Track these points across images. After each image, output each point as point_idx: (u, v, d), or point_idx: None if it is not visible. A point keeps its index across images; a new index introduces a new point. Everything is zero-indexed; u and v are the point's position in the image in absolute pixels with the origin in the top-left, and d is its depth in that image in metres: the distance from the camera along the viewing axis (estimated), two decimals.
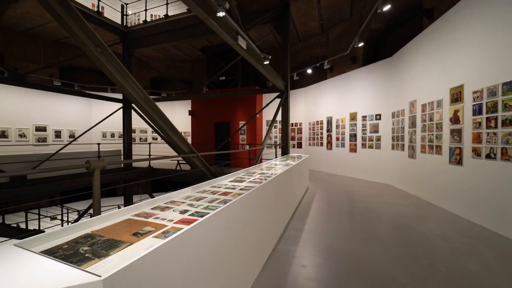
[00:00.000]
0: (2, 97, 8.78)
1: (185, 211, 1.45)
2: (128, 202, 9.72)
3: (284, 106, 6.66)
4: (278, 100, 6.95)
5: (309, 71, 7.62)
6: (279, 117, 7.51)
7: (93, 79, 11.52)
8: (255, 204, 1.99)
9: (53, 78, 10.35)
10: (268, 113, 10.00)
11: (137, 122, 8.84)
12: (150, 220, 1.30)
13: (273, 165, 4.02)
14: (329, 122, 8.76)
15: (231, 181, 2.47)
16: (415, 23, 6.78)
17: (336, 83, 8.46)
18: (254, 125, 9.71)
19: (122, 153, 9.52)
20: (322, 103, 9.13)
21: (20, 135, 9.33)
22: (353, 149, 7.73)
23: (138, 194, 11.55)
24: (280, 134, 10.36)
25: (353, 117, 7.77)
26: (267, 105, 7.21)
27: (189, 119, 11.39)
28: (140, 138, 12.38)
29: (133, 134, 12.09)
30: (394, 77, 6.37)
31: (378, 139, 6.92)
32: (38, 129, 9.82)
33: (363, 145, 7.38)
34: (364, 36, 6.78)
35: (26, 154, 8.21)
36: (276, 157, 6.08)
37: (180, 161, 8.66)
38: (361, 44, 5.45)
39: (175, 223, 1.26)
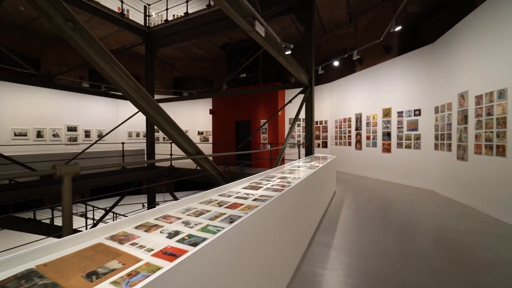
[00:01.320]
0: (38, 100, 9.34)
1: (176, 233, 1.08)
2: (151, 200, 9.84)
3: (308, 102, 6.12)
4: (301, 97, 6.43)
5: (336, 63, 6.96)
6: (302, 115, 6.98)
7: None
8: (271, 218, 1.57)
9: (83, 80, 10.87)
10: (291, 111, 9.48)
11: None
12: (124, 247, 0.95)
13: (296, 168, 3.56)
14: (358, 119, 7.99)
15: (245, 188, 2.08)
16: (462, 2, 5.82)
17: (366, 76, 7.67)
18: (276, 123, 9.26)
19: (145, 152, 9.64)
20: (350, 99, 8.38)
21: (54, 135, 9.88)
22: (386, 149, 6.93)
23: (161, 193, 11.73)
24: (304, 133, 9.78)
25: (386, 113, 6.96)
26: (290, 101, 6.72)
27: (210, 118, 11.28)
28: (164, 138, 12.55)
29: (157, 134, 12.35)
30: (437, 66, 5.51)
31: (418, 137, 6.08)
32: (70, 129, 10.33)
33: (399, 145, 6.56)
34: (400, 22, 5.98)
35: (59, 153, 8.66)
36: (299, 157, 5.58)
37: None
38: (398, 28, 4.73)
39: (153, 255, 0.89)
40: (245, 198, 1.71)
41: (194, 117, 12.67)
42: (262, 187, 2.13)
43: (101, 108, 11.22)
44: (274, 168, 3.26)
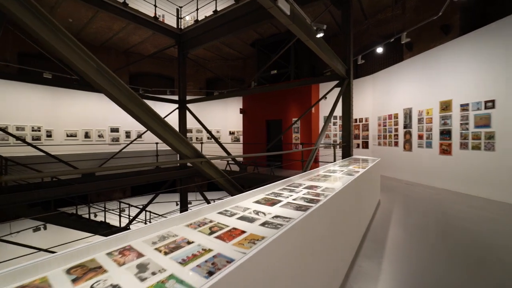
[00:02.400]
0: (86, 103, 10.18)
1: None
2: (183, 199, 9.96)
3: (346, 96, 5.34)
4: (338, 91, 5.66)
5: (380, 50, 6.00)
6: (339, 112, 6.19)
7: (156, 83, 12.42)
8: (282, 257, 1.05)
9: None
10: (326, 108, 8.65)
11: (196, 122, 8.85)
12: None
13: (330, 173, 2.93)
14: (408, 115, 6.83)
15: (258, 202, 1.59)
16: None
17: (417, 63, 6.49)
18: (309, 122, 8.54)
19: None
20: (398, 92, 7.23)
21: (99, 136, 10.68)
22: (445, 151, 5.72)
23: (193, 192, 11.91)
24: (341, 132, 8.86)
25: (445, 106, 5.75)
26: (324, 96, 5.99)
27: (241, 118, 11.03)
28: (196, 138, 12.73)
29: (189, 134, 12.59)
30: None
31: (490, 136, 4.82)
32: (113, 130, 11.07)
33: (463, 145, 5.33)
34: None
35: (100, 153, 9.30)
36: (335, 160, 4.86)
37: (229, 161, 8.28)
38: None
39: None
40: (252, 221, 1.22)
41: (225, 117, 12.59)
42: (281, 201, 1.62)
43: None
44: (302, 173, 2.71)
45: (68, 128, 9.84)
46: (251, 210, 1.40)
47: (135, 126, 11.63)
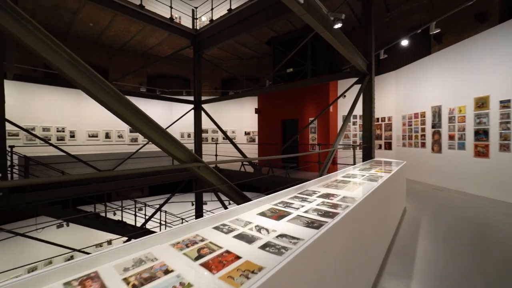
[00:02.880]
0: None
1: None
2: (198, 200, 9.97)
3: (367, 93, 4.95)
4: (358, 88, 5.27)
5: (405, 42, 5.51)
6: (358, 111, 5.79)
7: (173, 84, 12.61)
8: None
9: (142, 86, 11.87)
10: (345, 107, 8.21)
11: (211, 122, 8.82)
12: None
13: (349, 177, 2.64)
14: (437, 113, 6.25)
15: (262, 214, 1.38)
16: None
17: (448, 56, 5.90)
18: (326, 121, 8.15)
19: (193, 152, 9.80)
20: (425, 88, 6.65)
21: (119, 136, 11.01)
22: (481, 153, 5.12)
23: (209, 193, 11.91)
24: (361, 132, 8.37)
25: (481, 103, 5.15)
26: (343, 94, 5.63)
27: (256, 118, 10.85)
28: (212, 138, 12.75)
29: (205, 134, 12.62)
30: None
31: None
32: (132, 130, 11.37)
33: (503, 147, 4.73)
34: None
35: (121, 153, 9.55)
36: (354, 163, 4.49)
37: (244, 163, 8.13)
38: None
39: None
40: (251, 241, 1.01)
41: (241, 117, 12.49)
42: (290, 213, 1.39)
43: (157, 110, 12.03)
44: (318, 178, 2.45)
45: (90, 128, 10.22)
46: (253, 225, 1.19)
47: None
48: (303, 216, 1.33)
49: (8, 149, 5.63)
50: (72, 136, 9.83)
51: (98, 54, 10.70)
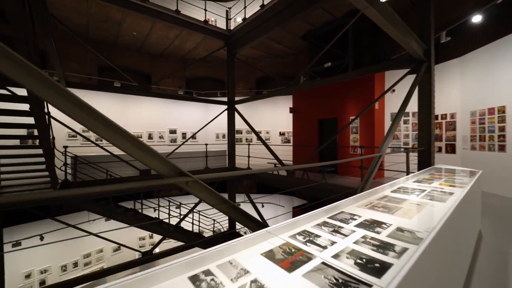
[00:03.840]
0: (149, 107, 11.22)
1: None
2: (231, 199, 9.86)
3: (424, 85, 4.05)
4: (410, 80, 4.37)
5: (477, 19, 4.38)
6: (412, 107, 4.84)
7: (210, 86, 12.84)
8: None
9: (180, 89, 12.36)
10: (393, 103, 7.14)
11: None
12: None
13: (402, 193, 2.01)
14: None
15: (269, 255, 0.95)
16: None
17: None
18: (371, 120, 7.18)
19: (227, 153, 9.75)
20: (504, 78, 5.28)
21: (160, 137, 11.62)
22: None
23: (241, 194, 11.78)
24: (414, 132, 7.16)
25: None
26: (391, 88, 4.75)
27: (291, 118, 10.29)
28: (246, 139, 12.61)
29: (239, 135, 12.55)
30: None
31: None
32: (171, 131, 11.91)
33: None
34: None
35: (162, 153, 10.00)
36: (408, 172, 3.65)
37: (276, 165, 7.69)
38: None
39: None
40: None
41: (275, 117, 12.08)
42: (311, 257, 0.93)
43: (194, 112, 12.41)
44: (358, 194, 1.90)
45: (135, 130, 10.99)
46: (247, 281, 0.77)
47: (190, 128, 12.24)
48: (330, 266, 0.86)
49: (63, 149, 6.26)
50: None
51: (142, 61, 11.46)
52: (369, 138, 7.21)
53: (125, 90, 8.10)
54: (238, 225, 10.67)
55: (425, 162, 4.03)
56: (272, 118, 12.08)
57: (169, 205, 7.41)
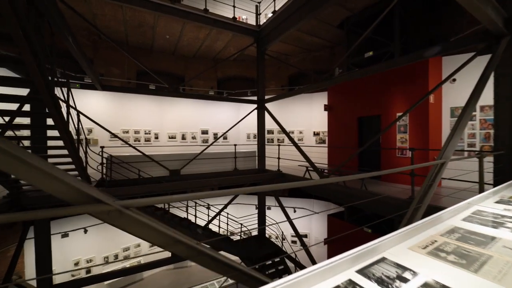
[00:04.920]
0: (182, 108, 11.48)
1: None
2: (261, 204, 9.46)
3: (504, 67, 3.03)
4: (481, 61, 3.33)
5: None
6: (484, 99, 3.74)
7: (241, 86, 12.66)
8: None
9: (212, 89, 12.42)
10: (453, 95, 5.86)
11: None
12: None
13: (485, 228, 1.30)
14: None
15: None
16: None
17: None
18: (424, 116, 6.01)
19: (256, 154, 9.38)
20: None
21: (193, 137, 11.82)
22: None
23: (271, 196, 11.27)
24: (484, 131, 5.75)
25: None
26: (451, 76, 3.73)
27: (325, 116, 9.43)
28: (278, 139, 12.07)
29: (270, 135, 12.07)
30: None
31: None
32: (203, 132, 12.03)
33: None
34: None
35: (191, 153, 10.10)
36: (482, 186, 2.66)
37: (308, 168, 7.01)
38: None
39: None
40: None
41: (309, 116, 11.29)
42: None
43: (225, 112, 12.34)
44: (410, 226, 1.26)
45: (170, 131, 11.35)
46: None
47: (222, 128, 12.21)
48: None
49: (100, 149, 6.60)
50: (156, 137, 11.13)
51: (177, 64, 11.80)
52: (421, 139, 6.05)
53: (158, 92, 8.31)
54: (269, 230, 10.19)
55: (505, 171, 3.00)
56: (306, 117, 11.31)
57: (195, 206, 7.32)
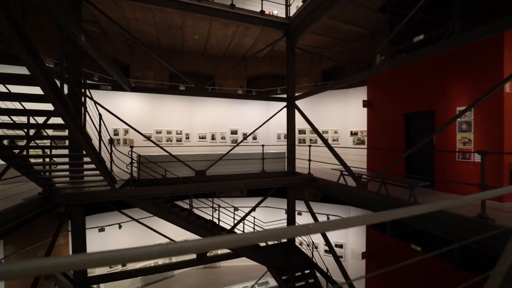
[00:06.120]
0: (212, 108, 11.46)
1: None
2: (291, 209, 8.81)
3: None
4: None
5: None
6: None
7: (271, 84, 12.15)
8: None
9: (242, 88, 12.16)
10: None
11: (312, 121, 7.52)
12: None
13: None
14: None
15: None
16: None
17: None
18: (497, 111, 4.71)
19: (285, 155, 8.78)
20: None
21: (222, 138, 11.74)
22: None
23: (301, 200, 10.51)
24: None
25: None
26: None
27: (364, 113, 8.36)
28: (310, 140, 11.26)
29: (302, 135, 11.31)
30: None
31: None
32: (232, 132, 11.87)
33: None
34: None
35: (218, 154, 9.95)
36: None
37: (343, 172, 6.17)
38: None
39: None
40: None
41: (346, 114, 10.25)
42: None
43: (255, 112, 11.98)
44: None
45: (200, 131, 11.43)
46: None
47: (251, 128, 11.86)
48: None
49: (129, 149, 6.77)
50: (187, 138, 11.31)
51: (207, 65, 11.85)
52: (492, 139, 4.76)
53: (185, 92, 8.32)
54: (299, 237, 9.46)
55: None
56: (342, 115, 10.29)
57: (218, 209, 7.05)
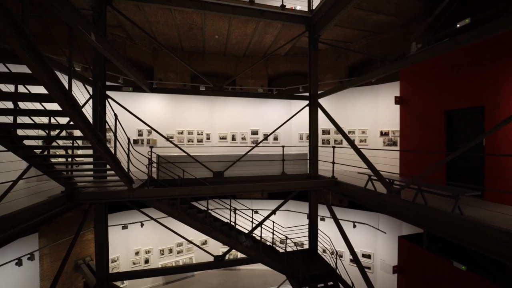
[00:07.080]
0: (233, 109, 11.33)
1: None
2: (313, 213, 8.28)
3: None
4: None
5: None
6: None
7: (293, 82, 11.69)
8: None
9: (262, 87, 11.86)
10: None
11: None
12: None
13: None
14: None
15: None
16: None
17: None
18: None
19: (308, 157, 8.28)
20: None
21: (242, 138, 11.55)
22: None
23: (323, 204, 9.86)
24: None
25: None
26: None
27: (397, 111, 7.56)
28: (335, 140, 10.58)
29: (327, 136, 10.68)
30: None
31: None
32: (253, 132, 11.62)
33: None
34: None
35: (237, 154, 9.74)
36: None
37: (372, 177, 5.54)
38: None
39: None
40: None
41: (375, 112, 9.42)
42: None
43: (276, 112, 11.61)
44: None
45: (220, 131, 11.37)
46: None
47: (272, 129, 11.52)
48: None
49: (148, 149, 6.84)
50: (208, 138, 11.31)
51: (228, 65, 11.76)
52: None
53: (204, 92, 8.23)
54: (321, 245, 8.86)
55: None
56: (370, 113, 9.47)
57: (235, 211, 6.80)
